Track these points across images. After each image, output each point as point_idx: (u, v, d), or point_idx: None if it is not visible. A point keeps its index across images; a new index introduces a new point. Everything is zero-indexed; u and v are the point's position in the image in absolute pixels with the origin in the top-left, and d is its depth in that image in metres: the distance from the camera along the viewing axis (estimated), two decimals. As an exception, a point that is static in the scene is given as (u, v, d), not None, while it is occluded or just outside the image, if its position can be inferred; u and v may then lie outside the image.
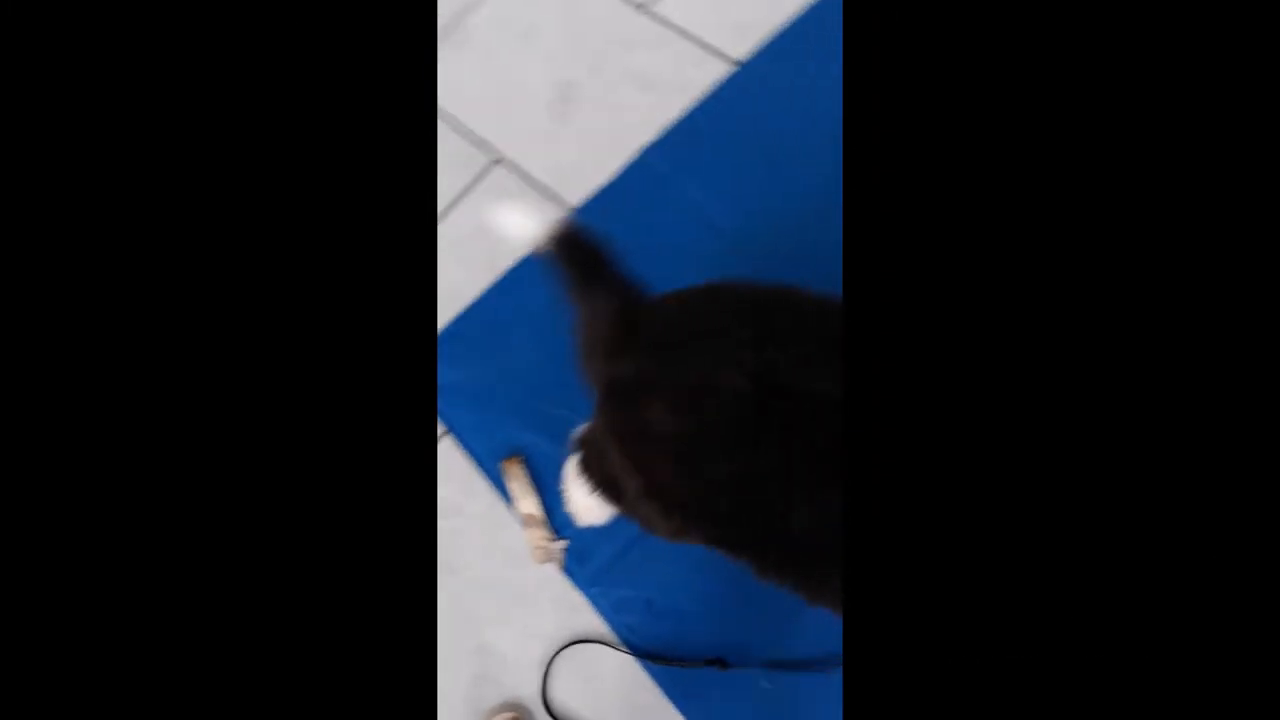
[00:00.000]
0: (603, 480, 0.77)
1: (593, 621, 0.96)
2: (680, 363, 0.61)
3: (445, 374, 1.10)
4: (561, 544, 0.99)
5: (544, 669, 0.93)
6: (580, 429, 0.84)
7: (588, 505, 0.86)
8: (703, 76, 1.26)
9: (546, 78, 1.33)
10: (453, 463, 1.07)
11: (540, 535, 0.99)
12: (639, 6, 1.35)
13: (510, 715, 0.90)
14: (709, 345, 0.61)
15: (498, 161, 1.27)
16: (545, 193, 1.22)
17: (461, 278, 1.17)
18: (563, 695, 0.93)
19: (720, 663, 0.89)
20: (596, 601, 0.96)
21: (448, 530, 1.03)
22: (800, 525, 0.60)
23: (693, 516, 0.67)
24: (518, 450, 1.04)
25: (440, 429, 1.08)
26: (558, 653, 0.94)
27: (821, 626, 0.88)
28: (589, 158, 1.23)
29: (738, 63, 1.26)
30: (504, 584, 1.00)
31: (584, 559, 0.98)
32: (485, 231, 0.74)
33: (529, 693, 0.93)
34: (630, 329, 0.65)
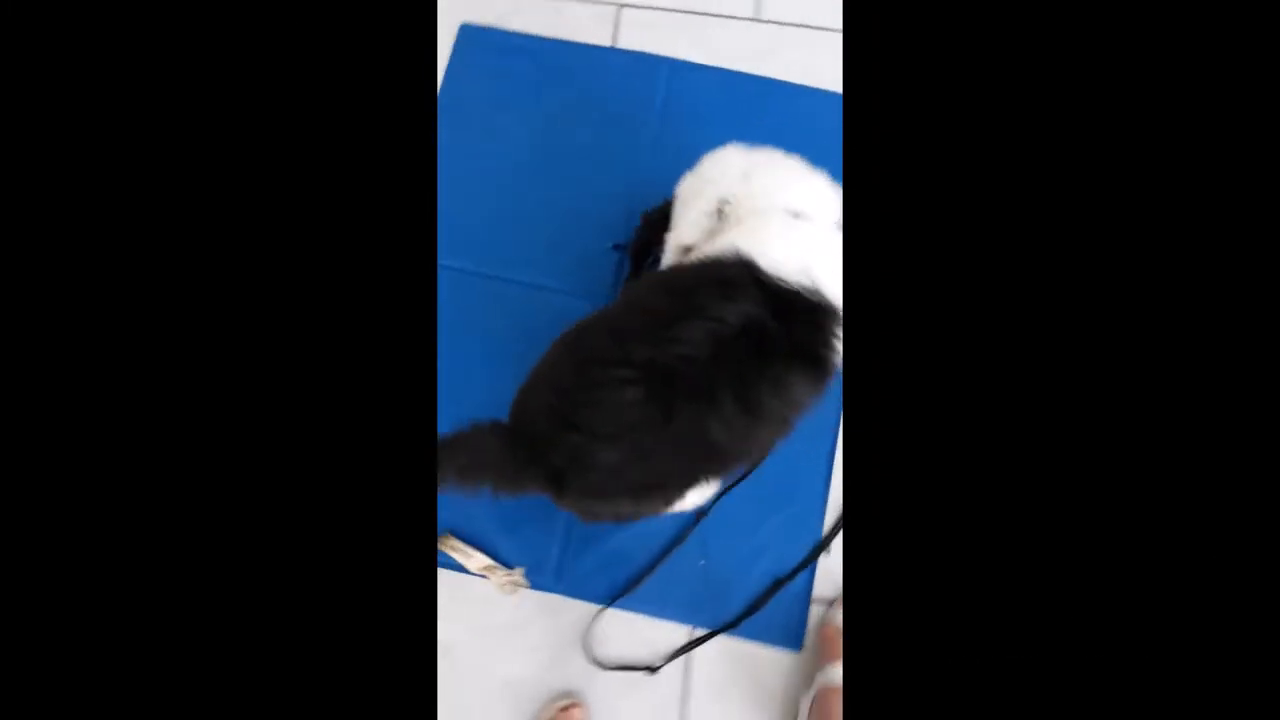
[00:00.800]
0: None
1: (575, 607, 1.21)
2: (588, 415, 0.84)
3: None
4: (519, 571, 1.22)
5: (583, 639, 1.18)
6: None
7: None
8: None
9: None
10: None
11: (501, 575, 1.21)
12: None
13: (569, 701, 1.15)
14: (593, 394, 0.84)
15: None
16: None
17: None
18: (589, 662, 1.19)
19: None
20: (568, 592, 1.22)
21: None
22: (719, 432, 0.86)
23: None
24: (442, 531, 1.24)
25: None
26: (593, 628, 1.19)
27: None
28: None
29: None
30: (491, 629, 1.21)
31: (540, 569, 1.22)
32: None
33: (568, 686, 1.18)
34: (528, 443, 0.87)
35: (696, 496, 1.16)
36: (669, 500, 0.93)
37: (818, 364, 0.89)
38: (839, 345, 0.90)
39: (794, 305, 0.87)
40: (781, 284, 0.86)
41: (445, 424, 1.13)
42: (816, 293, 0.87)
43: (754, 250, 0.88)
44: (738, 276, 0.87)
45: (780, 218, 0.94)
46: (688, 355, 0.83)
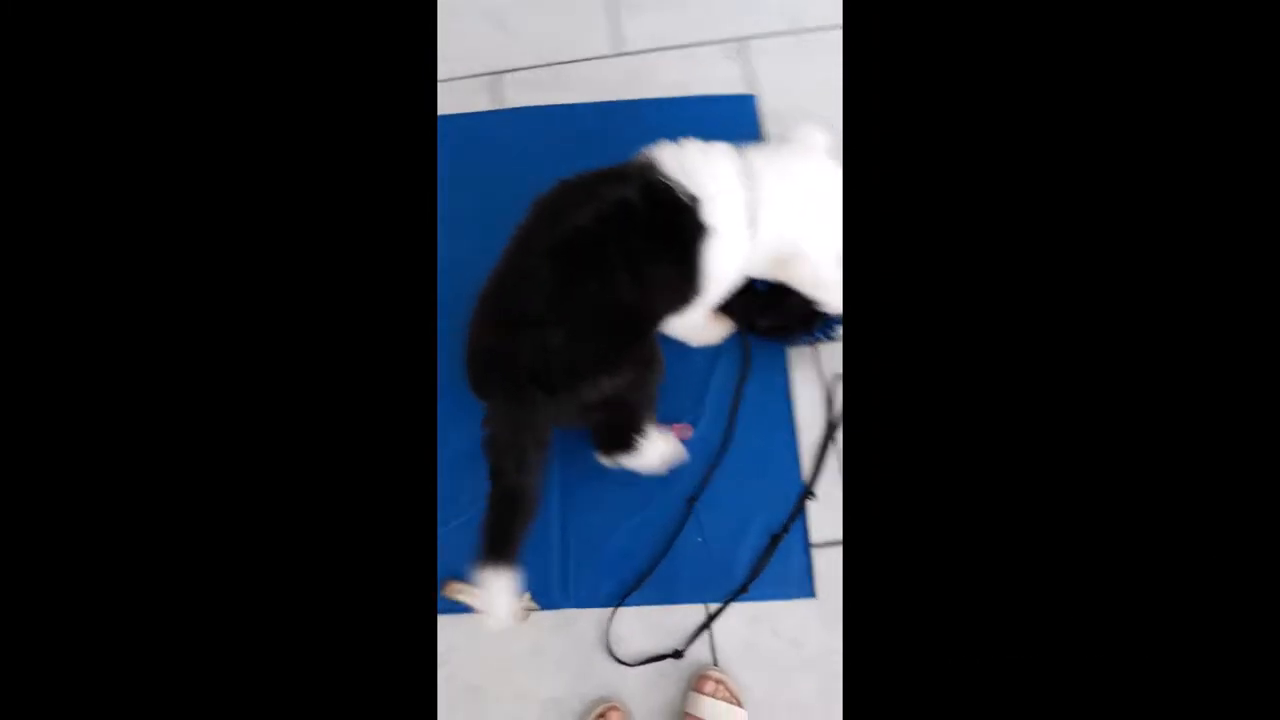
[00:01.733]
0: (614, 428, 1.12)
1: (588, 615, 1.23)
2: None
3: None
4: (525, 596, 1.23)
5: (604, 643, 1.20)
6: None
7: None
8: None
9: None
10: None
11: (509, 605, 1.22)
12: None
13: (605, 705, 1.15)
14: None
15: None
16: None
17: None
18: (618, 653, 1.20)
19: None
20: (577, 604, 1.24)
21: (449, 671, 1.21)
22: (626, 294, 0.97)
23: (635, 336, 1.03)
24: (444, 578, 1.26)
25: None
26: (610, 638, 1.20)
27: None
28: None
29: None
30: (515, 658, 1.22)
31: (545, 589, 1.24)
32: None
33: (602, 693, 1.18)
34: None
35: (661, 450, 1.20)
36: (628, 366, 1.02)
37: (678, 248, 1.00)
38: (700, 248, 1.00)
39: (665, 197, 0.98)
40: (665, 180, 0.98)
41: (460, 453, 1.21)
42: (692, 197, 0.98)
43: (664, 156, 1.01)
44: (633, 172, 1.00)
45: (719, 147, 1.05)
46: (576, 225, 0.96)
